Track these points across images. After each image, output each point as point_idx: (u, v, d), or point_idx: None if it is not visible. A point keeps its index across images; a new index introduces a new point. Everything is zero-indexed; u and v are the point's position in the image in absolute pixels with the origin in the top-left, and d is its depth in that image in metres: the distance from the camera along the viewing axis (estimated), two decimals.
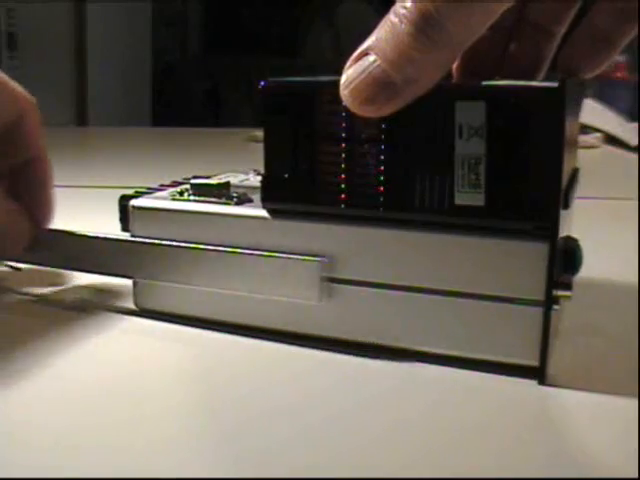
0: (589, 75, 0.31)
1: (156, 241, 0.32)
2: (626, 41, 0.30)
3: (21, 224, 0.34)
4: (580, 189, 0.32)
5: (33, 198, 0.35)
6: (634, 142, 0.98)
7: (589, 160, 0.67)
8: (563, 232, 0.28)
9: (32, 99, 0.35)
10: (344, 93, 0.25)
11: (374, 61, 0.25)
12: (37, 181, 0.36)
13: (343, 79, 0.25)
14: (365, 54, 0.25)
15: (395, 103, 0.25)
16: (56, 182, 0.36)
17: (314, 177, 0.28)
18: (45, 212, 0.35)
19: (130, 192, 0.33)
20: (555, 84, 0.25)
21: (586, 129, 0.99)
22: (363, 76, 0.25)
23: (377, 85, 0.25)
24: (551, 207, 0.26)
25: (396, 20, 0.24)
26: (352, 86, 0.25)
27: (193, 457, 0.22)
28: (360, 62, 0.25)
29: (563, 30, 0.32)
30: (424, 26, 0.24)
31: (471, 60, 0.32)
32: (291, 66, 1.87)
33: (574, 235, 0.30)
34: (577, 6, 0.32)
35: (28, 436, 0.23)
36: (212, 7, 2.48)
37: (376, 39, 0.25)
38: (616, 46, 0.31)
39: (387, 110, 0.25)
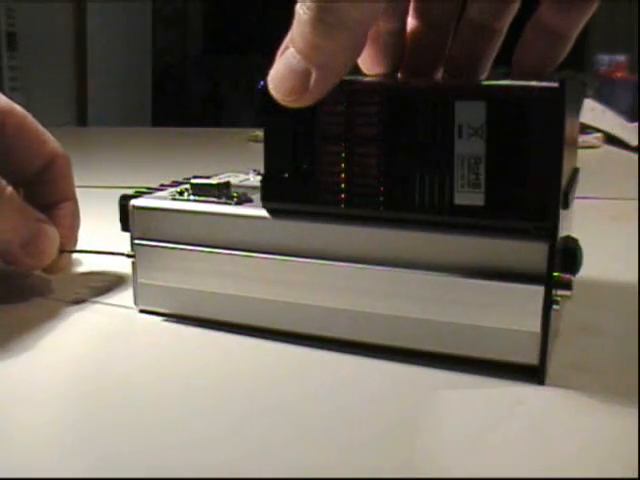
0: (545, 72, 0.30)
1: None
2: (577, 32, 0.29)
3: (51, 233, 0.34)
4: (580, 189, 0.32)
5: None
6: (634, 142, 0.98)
7: (589, 160, 0.67)
8: (563, 232, 0.28)
9: (61, 147, 0.38)
10: (270, 86, 0.26)
11: (291, 53, 0.25)
12: (64, 222, 0.37)
13: (270, 73, 0.26)
14: (287, 47, 0.26)
15: (313, 92, 0.25)
16: None
17: (314, 177, 0.28)
18: (69, 248, 0.36)
19: (130, 192, 0.33)
20: (555, 84, 0.25)
21: (586, 129, 0.99)
22: (283, 68, 0.25)
23: (295, 76, 0.25)
24: (551, 207, 0.25)
25: (300, 10, 0.25)
26: (275, 79, 0.26)
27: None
28: (283, 56, 0.26)
29: (505, 27, 0.31)
30: (319, 12, 0.24)
31: (413, 58, 0.31)
32: None
33: (574, 235, 0.30)
34: (518, 2, 0.31)
35: None
36: (212, 7, 2.49)
37: (292, 31, 0.25)
38: (567, 39, 0.30)
39: (308, 100, 0.26)
